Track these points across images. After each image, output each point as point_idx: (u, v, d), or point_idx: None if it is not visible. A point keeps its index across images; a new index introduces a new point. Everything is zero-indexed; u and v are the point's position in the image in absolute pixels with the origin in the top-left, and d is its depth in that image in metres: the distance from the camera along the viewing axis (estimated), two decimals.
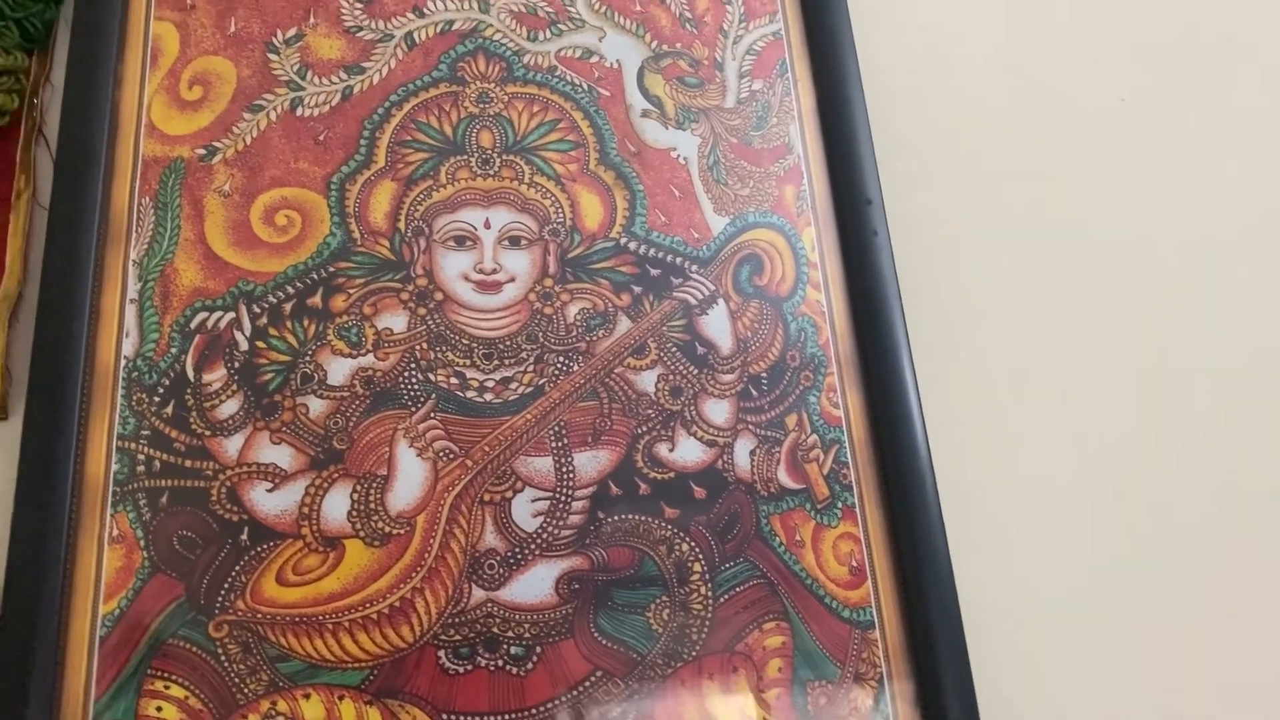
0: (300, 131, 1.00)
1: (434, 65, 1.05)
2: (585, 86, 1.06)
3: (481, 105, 1.04)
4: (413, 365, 0.93)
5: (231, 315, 0.93)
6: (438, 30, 1.06)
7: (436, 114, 1.03)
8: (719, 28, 1.11)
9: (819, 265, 1.03)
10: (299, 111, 1.01)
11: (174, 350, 0.91)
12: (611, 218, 1.01)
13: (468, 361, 0.94)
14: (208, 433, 0.89)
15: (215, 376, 0.91)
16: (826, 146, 1.08)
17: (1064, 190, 1.16)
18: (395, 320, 0.94)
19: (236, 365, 0.91)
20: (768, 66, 1.11)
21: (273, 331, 0.92)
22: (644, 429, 0.94)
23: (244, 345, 0.92)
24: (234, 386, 0.90)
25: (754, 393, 0.97)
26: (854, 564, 0.93)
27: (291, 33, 1.04)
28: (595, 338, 0.96)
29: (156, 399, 0.89)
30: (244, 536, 0.86)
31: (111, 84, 0.99)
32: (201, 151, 0.98)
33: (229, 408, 0.90)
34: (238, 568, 0.85)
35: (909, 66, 1.16)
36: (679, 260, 1.01)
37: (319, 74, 1.03)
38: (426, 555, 0.87)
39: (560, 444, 0.92)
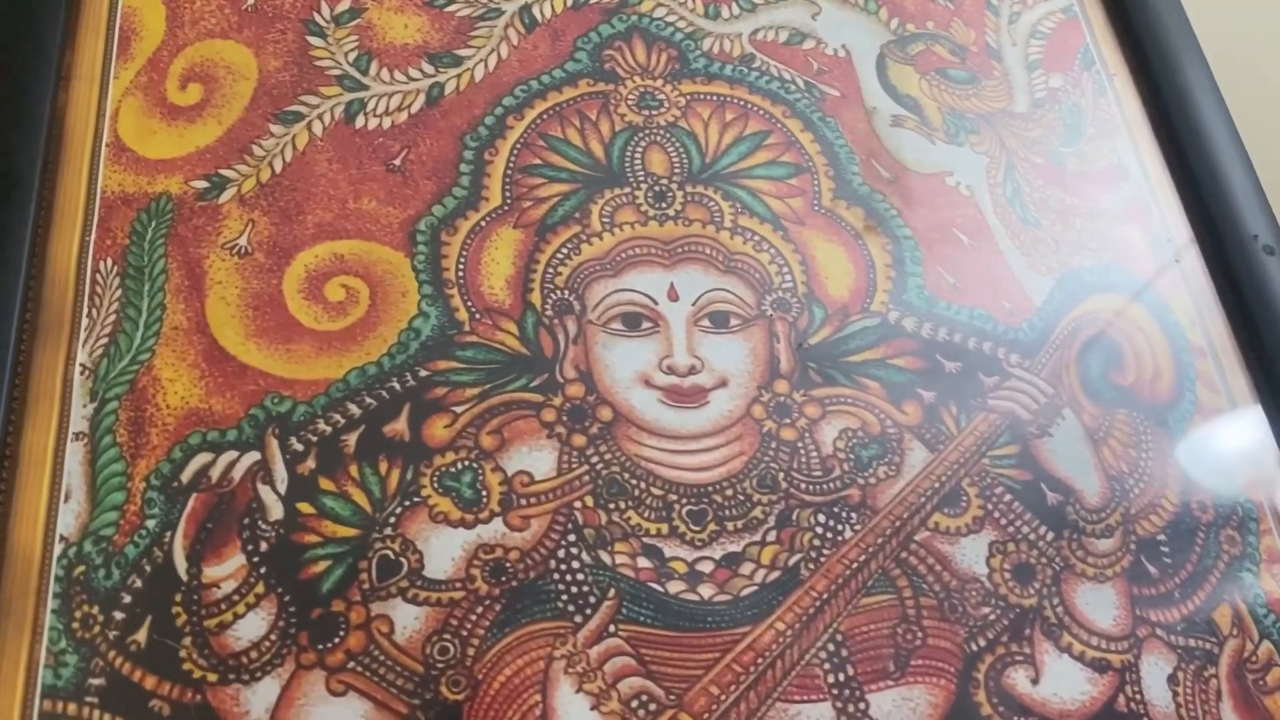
0: (362, 153, 0.67)
1: (568, 53, 0.72)
2: (801, 83, 0.74)
3: (646, 112, 0.71)
4: (571, 537, 0.58)
5: (255, 457, 0.58)
6: (570, 3, 0.74)
7: (578, 125, 0.70)
8: (985, 1, 0.80)
9: (1208, 352, 0.69)
10: (359, 122, 0.68)
11: (152, 524, 0.55)
12: (869, 280, 0.68)
13: (665, 527, 0.59)
14: (213, 675, 0.53)
15: (226, 569, 0.55)
16: (1176, 168, 0.75)
17: None
18: (536, 458, 0.59)
19: (264, 548, 0.55)
20: (1065, 56, 0.79)
21: (326, 484, 0.57)
22: (982, 642, 0.58)
23: (276, 510, 0.56)
24: (260, 586, 0.55)
25: (1150, 569, 0.62)
26: None
27: (344, 6, 0.72)
28: (874, 479, 0.61)
29: (119, 615, 0.53)
30: None
31: (53, 81, 0.66)
32: (202, 185, 0.65)
33: (251, 627, 0.54)
34: None
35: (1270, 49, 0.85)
36: (988, 346, 0.66)
37: (389, 65, 0.70)
38: None
39: (842, 677, 0.56)
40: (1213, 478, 0.65)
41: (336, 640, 0.54)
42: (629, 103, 0.71)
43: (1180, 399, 0.67)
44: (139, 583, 0.54)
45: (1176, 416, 0.67)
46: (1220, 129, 0.75)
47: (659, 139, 0.70)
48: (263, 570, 0.55)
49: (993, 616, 0.59)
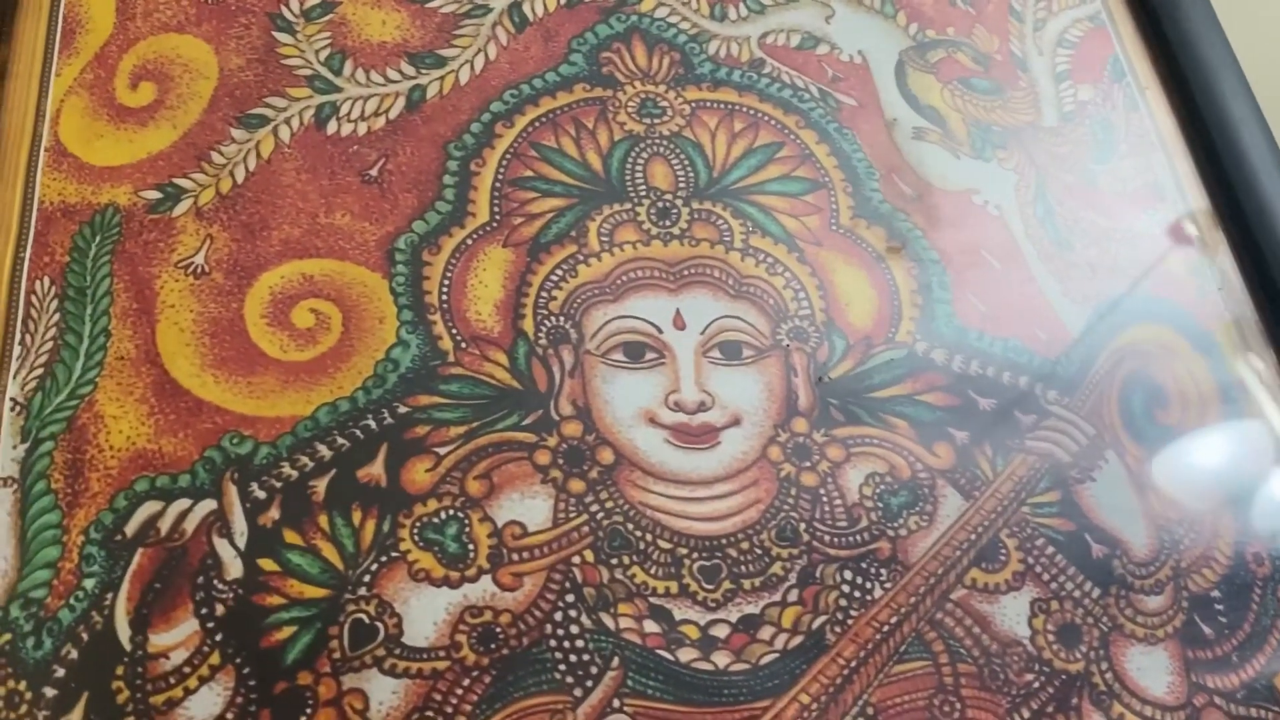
0: (335, 162, 0.61)
1: (562, 56, 0.67)
2: (815, 91, 0.69)
3: (647, 120, 0.66)
4: (569, 597, 0.52)
5: (210, 506, 0.51)
6: (563, 1, 0.69)
7: (574, 134, 0.64)
8: (1008, 6, 0.75)
9: (1256, 387, 0.64)
10: (332, 128, 0.62)
11: (90, 584, 0.49)
12: (894, 307, 0.62)
13: (674, 585, 0.53)
14: None
15: (176, 636, 0.49)
16: (1215, 188, 0.71)
17: None
18: (530, 506, 0.54)
19: (220, 611, 0.49)
20: (1094, 66, 0.74)
21: (292, 537, 0.51)
22: (1025, 714, 0.53)
23: (234, 568, 0.50)
24: (215, 656, 0.48)
25: (1205, 630, 0.57)
26: None
27: None
28: (905, 531, 0.56)
29: (51, 692, 0.47)
30: None
31: None
32: (153, 195, 0.59)
33: (205, 703, 0.47)
34: None
35: None
36: (1024, 381, 0.61)
37: (365, 65, 0.64)
38: None
39: None
40: (1267, 526, 0.60)
41: (303, 718, 0.48)
42: (629, 110, 0.66)
43: (1228, 439, 0.62)
44: (74, 653, 0.48)
45: (1226, 458, 0.62)
46: (1260, 147, 0.71)
47: (662, 150, 0.65)
48: (218, 637, 0.49)
49: (1037, 684, 0.54)
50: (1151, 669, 0.55)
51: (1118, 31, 0.76)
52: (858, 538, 0.56)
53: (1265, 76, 0.74)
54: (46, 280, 0.56)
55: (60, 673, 0.47)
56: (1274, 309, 0.67)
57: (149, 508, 0.51)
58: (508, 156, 0.63)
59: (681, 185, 0.64)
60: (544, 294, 0.59)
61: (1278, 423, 0.64)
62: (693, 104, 0.67)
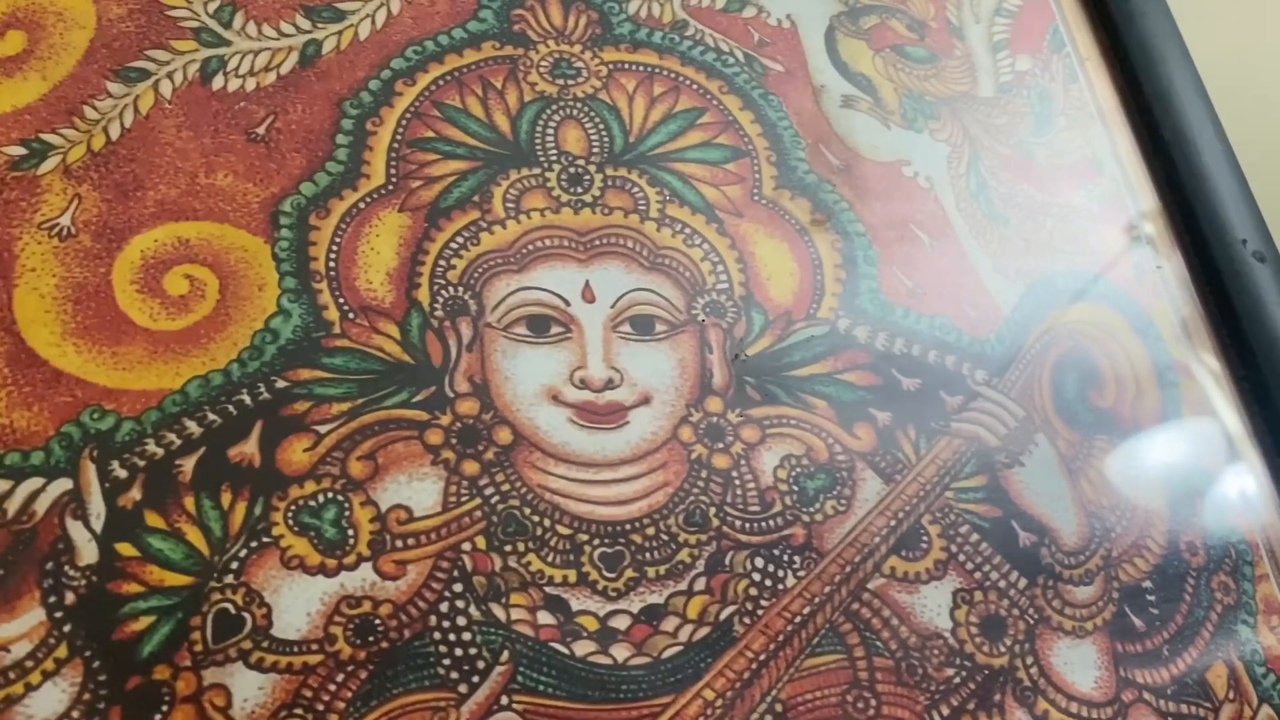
0: (219, 119, 0.57)
1: (472, 12, 0.63)
2: (740, 56, 0.66)
3: (561, 81, 0.62)
4: (457, 587, 0.48)
5: (65, 485, 0.47)
6: None
7: (481, 95, 0.61)
8: None
9: (1194, 370, 0.62)
10: (218, 83, 0.58)
11: None
12: (816, 282, 0.60)
13: (572, 573, 0.50)
14: None
15: (19, 627, 0.45)
16: (1155, 164, 0.69)
17: None
18: (418, 489, 0.50)
19: (70, 600, 0.45)
20: (1033, 36, 0.72)
21: (154, 520, 0.47)
22: (945, 710, 0.50)
23: (89, 552, 0.46)
24: (62, 649, 0.44)
25: (1136, 622, 0.54)
26: None
27: None
28: (821, 516, 0.53)
29: None
30: None
31: None
32: (17, 151, 0.55)
33: (49, 701, 0.44)
34: None
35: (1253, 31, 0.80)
36: (951, 360, 0.59)
37: (257, 18, 0.61)
38: None
39: None
40: (1202, 514, 0.58)
41: (158, 717, 0.44)
42: (541, 70, 0.63)
43: (1164, 423, 0.60)
44: None
45: (1161, 443, 0.60)
46: (1203, 123, 0.69)
47: (575, 113, 0.62)
48: (67, 628, 0.45)
49: (958, 680, 0.51)
50: (1079, 663, 0.53)
51: (1058, 1, 0.74)
52: (771, 523, 0.53)
53: (1208, 49, 0.72)
54: None
55: None
56: (1214, 291, 0.65)
57: None
58: (408, 116, 0.59)
59: (595, 150, 0.61)
60: (442, 262, 0.56)
61: (1217, 406, 0.62)
62: (610, 66, 0.64)
